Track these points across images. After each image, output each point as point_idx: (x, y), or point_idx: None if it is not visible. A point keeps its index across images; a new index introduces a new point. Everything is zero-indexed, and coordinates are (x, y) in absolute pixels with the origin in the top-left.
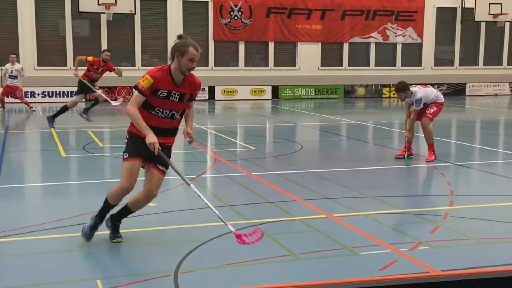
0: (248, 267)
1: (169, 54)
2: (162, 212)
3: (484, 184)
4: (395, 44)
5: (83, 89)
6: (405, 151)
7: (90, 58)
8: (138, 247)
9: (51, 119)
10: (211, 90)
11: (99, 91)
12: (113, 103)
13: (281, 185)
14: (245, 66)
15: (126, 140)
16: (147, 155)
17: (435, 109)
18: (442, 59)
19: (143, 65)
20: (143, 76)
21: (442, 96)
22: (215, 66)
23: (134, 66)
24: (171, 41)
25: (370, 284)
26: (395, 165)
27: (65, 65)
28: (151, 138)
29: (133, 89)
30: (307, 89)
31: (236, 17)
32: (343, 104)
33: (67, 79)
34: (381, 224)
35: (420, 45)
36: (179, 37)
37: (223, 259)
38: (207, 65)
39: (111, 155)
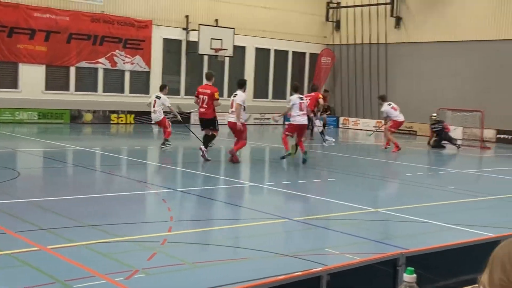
0: None
1: None
2: None
3: (204, 209)
4: (123, 71)
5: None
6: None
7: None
8: None
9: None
10: None
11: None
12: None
13: None
14: None
15: None
16: None
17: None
18: (170, 88)
19: None
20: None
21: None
22: None
23: None
24: None
25: None
26: (120, 192)
27: None
28: None
29: None
30: (29, 112)
31: None
32: (69, 129)
33: None
34: (99, 254)
35: (148, 74)
36: None
37: None
38: None
39: None
